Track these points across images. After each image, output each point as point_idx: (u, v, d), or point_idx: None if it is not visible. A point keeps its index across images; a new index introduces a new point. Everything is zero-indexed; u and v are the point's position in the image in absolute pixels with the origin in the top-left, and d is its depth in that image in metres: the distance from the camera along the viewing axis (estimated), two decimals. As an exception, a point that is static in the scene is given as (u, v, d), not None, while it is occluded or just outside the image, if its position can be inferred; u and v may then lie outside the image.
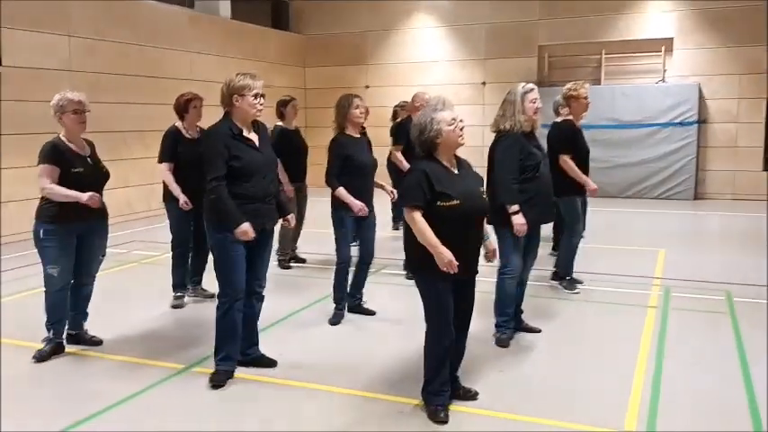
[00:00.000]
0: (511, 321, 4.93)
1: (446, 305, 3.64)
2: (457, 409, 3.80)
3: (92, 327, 5.00)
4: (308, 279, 6.86)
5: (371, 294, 5.73)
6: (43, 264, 4.64)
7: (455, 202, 3.53)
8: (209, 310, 4.77)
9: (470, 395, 3.94)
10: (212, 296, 5.74)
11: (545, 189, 4.85)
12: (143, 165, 10.49)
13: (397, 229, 8.85)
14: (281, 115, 7.30)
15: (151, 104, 10.53)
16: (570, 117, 6.18)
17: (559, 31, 13.68)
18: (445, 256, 3.47)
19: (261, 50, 14.14)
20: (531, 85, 4.77)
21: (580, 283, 6.30)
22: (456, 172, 3.70)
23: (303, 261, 7.56)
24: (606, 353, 4.74)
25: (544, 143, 5.27)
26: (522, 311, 5.13)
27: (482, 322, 4.94)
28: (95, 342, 4.91)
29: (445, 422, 3.64)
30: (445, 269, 3.49)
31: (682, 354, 4.68)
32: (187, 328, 5.34)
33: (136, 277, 7.21)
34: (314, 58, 15.59)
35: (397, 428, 3.64)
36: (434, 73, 14.51)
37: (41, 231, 4.57)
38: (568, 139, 6.05)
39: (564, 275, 6.27)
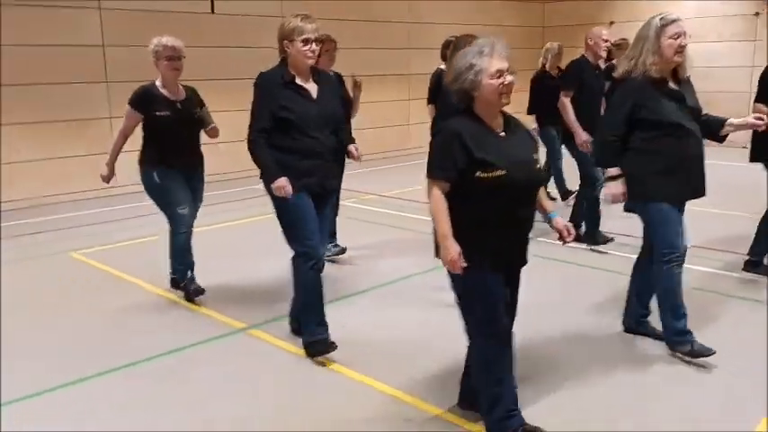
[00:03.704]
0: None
1: (494, 300, 2.82)
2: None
3: (212, 273, 5.10)
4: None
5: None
6: (169, 207, 4.71)
7: (500, 172, 2.67)
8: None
9: None
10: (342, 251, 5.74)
11: (692, 154, 3.59)
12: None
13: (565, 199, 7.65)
14: (444, 57, 6.71)
15: (365, 49, 10.29)
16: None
17: None
18: (450, 253, 2.70)
19: (492, -14, 13.22)
20: (673, 16, 3.49)
21: None
22: (502, 134, 2.81)
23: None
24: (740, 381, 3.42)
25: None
26: (649, 312, 3.97)
27: (582, 315, 3.92)
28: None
29: None
30: (446, 267, 2.74)
31: None
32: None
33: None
34: (554, -8, 14.18)
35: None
36: (692, 3, 12.20)
37: (156, 175, 4.64)
38: (764, 83, 4.53)
39: None
